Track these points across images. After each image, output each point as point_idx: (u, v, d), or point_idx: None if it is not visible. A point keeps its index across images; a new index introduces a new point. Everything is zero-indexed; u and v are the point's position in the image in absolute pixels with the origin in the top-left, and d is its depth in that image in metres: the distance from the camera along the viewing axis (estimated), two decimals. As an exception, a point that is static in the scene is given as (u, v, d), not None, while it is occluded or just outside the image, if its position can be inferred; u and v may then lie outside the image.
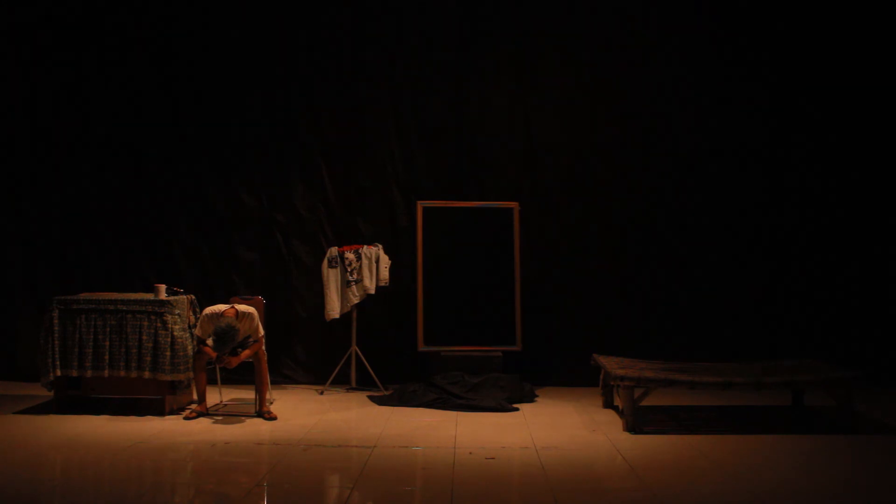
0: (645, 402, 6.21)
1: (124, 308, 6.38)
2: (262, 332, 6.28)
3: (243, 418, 6.20)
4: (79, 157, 7.84)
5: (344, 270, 7.16)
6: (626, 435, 5.84)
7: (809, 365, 6.47)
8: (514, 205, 7.53)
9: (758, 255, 7.68)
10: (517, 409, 6.67)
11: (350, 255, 7.19)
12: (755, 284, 7.64)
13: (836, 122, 7.71)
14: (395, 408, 6.66)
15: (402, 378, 7.19)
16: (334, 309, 7.14)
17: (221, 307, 6.21)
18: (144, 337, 6.34)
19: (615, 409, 6.38)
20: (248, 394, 6.69)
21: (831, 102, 7.69)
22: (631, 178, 7.73)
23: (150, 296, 6.43)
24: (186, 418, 6.17)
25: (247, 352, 6.19)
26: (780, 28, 7.73)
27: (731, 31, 7.77)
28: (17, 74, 7.89)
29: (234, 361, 6.14)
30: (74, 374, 6.34)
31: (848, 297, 7.53)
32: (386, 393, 7.08)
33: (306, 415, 6.40)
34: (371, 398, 6.99)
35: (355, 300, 7.14)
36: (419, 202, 7.50)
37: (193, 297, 6.67)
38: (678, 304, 7.63)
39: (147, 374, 6.30)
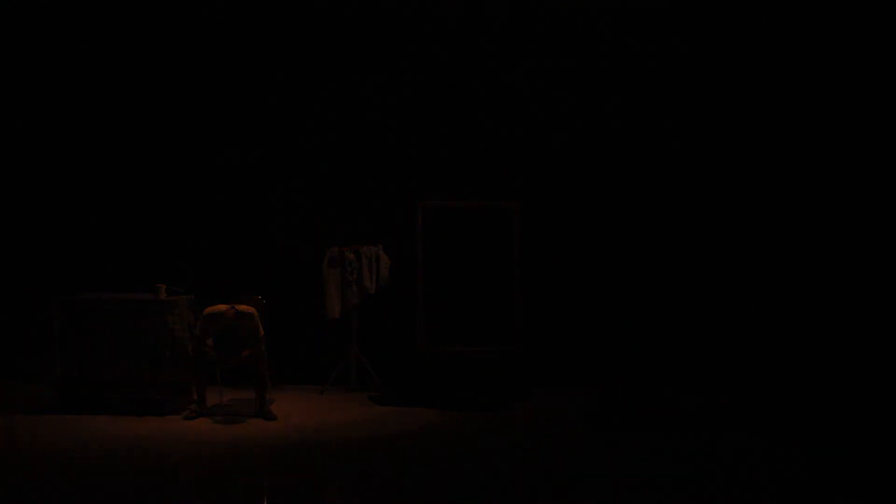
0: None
1: (124, 308, 6.40)
2: (262, 331, 6.29)
3: (243, 418, 6.20)
4: (79, 157, 7.87)
5: (344, 270, 7.16)
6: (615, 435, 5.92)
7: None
8: (514, 204, 7.54)
9: (767, 252, 7.66)
10: (518, 410, 6.71)
11: (350, 255, 7.19)
12: (761, 284, 7.64)
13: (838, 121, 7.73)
14: (396, 408, 6.67)
15: (402, 378, 7.21)
16: (334, 309, 7.14)
17: (221, 307, 6.22)
18: (144, 337, 6.36)
19: (614, 407, 6.40)
20: (249, 394, 6.69)
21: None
22: (633, 178, 7.73)
23: (151, 296, 6.45)
24: (186, 418, 6.17)
25: (247, 352, 6.20)
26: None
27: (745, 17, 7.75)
28: (17, 71, 7.93)
29: (234, 361, 6.15)
30: (75, 374, 6.37)
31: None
32: (386, 393, 7.09)
33: (306, 415, 6.40)
34: (371, 398, 6.98)
35: (355, 300, 7.14)
36: (419, 202, 7.51)
37: (193, 297, 6.68)
38: (682, 304, 7.64)
39: (147, 375, 6.34)
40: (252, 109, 8.22)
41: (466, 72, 8.30)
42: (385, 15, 8.26)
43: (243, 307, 6.41)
